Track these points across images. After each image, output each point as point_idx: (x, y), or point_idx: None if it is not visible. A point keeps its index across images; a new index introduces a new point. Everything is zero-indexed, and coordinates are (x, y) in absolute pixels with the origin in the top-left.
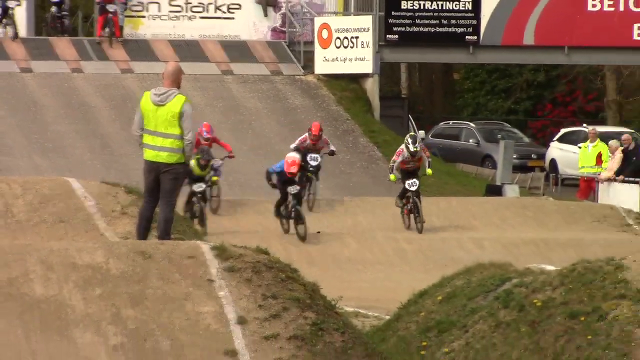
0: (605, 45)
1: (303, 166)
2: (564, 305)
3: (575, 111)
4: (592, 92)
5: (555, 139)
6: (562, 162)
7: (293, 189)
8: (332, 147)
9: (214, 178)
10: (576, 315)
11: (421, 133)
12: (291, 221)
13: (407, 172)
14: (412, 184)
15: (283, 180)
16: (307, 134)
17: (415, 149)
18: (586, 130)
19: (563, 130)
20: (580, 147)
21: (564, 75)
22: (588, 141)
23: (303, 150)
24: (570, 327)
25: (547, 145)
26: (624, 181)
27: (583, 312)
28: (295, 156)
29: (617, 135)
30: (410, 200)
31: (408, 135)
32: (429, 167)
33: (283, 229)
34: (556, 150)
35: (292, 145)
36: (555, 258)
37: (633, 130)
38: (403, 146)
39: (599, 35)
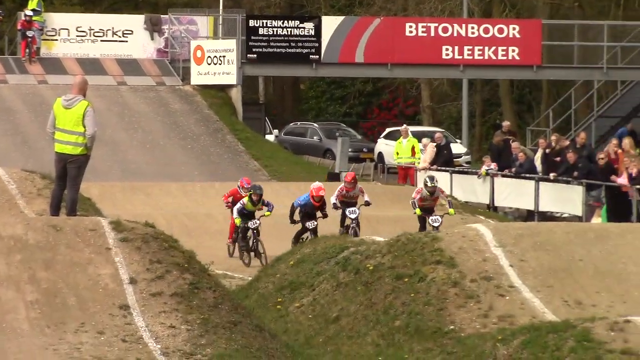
0: (420, 63)
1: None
2: (391, 269)
3: (397, 114)
4: (410, 99)
5: (381, 136)
6: (387, 154)
7: (311, 224)
8: (367, 198)
9: (267, 213)
10: (401, 277)
11: (275, 132)
12: None
13: (423, 208)
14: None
15: (306, 212)
16: (342, 184)
17: (433, 186)
18: (402, 128)
19: (387, 130)
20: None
21: (387, 85)
22: (402, 137)
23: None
24: (396, 286)
25: (375, 141)
26: (437, 169)
27: (407, 274)
28: (319, 184)
29: (430, 134)
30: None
31: (426, 176)
32: (450, 207)
33: None
34: (382, 145)
35: (333, 200)
36: (383, 231)
37: (443, 130)
38: (422, 185)
39: (415, 55)
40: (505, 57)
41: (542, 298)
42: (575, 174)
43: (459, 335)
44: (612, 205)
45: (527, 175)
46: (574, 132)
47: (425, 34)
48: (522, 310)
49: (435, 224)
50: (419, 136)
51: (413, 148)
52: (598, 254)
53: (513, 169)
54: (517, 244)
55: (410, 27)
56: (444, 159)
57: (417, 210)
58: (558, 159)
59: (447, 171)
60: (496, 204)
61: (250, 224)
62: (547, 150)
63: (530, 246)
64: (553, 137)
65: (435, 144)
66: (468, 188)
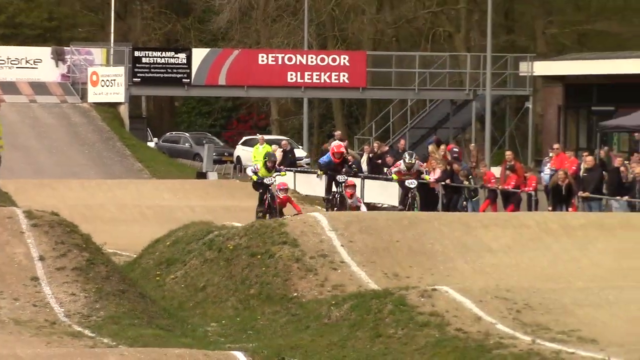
0: (270, 85)
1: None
2: (247, 248)
3: (252, 126)
4: (262, 114)
5: (239, 143)
6: (244, 158)
7: (341, 178)
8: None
9: (283, 173)
10: (255, 254)
11: (155, 140)
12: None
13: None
14: (410, 183)
15: (330, 169)
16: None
17: (410, 162)
18: (258, 137)
19: (244, 138)
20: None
21: (244, 103)
22: (258, 144)
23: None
24: (251, 262)
25: (234, 147)
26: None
27: (259, 252)
28: (339, 142)
29: (278, 141)
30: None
31: (406, 152)
32: (427, 174)
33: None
34: (240, 150)
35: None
36: (241, 218)
37: (288, 138)
38: (401, 161)
39: (266, 79)
40: (337, 81)
41: (366, 271)
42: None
43: (301, 300)
44: (423, 198)
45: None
46: (391, 140)
47: (274, 62)
48: (351, 281)
49: (412, 186)
50: (270, 143)
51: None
52: (411, 236)
53: (344, 169)
54: (346, 228)
55: (262, 57)
56: (289, 161)
57: (394, 176)
58: (379, 161)
59: (291, 171)
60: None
61: (266, 180)
62: (371, 155)
63: (357, 230)
64: (375, 144)
65: (282, 149)
66: (308, 184)
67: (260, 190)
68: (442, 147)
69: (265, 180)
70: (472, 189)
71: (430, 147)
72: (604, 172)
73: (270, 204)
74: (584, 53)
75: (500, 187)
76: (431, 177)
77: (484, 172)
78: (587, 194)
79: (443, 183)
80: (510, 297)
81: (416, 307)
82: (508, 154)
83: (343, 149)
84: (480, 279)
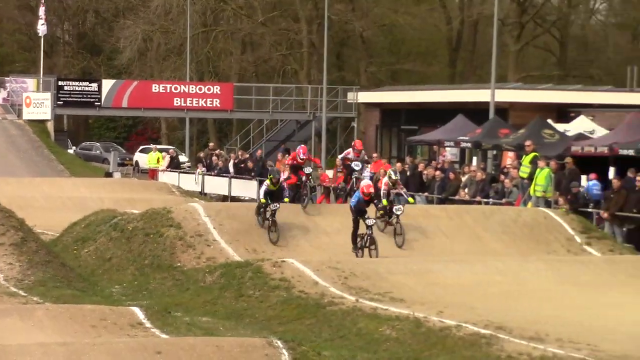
0: (161, 107)
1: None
2: (143, 229)
3: (147, 138)
4: (155, 129)
5: (137, 151)
6: (141, 162)
7: (370, 221)
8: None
9: (286, 200)
10: (148, 234)
11: (73, 148)
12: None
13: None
14: (397, 210)
15: (359, 209)
16: (350, 150)
17: (396, 178)
18: (152, 146)
19: (141, 147)
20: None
21: (141, 121)
22: (152, 151)
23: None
24: (146, 240)
25: (134, 154)
26: (171, 171)
27: (152, 232)
28: (368, 182)
29: (167, 150)
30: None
31: (391, 170)
32: (408, 197)
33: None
34: (138, 156)
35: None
36: (138, 207)
37: (174, 147)
38: (386, 178)
39: (158, 103)
40: (211, 105)
41: (232, 247)
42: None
43: (183, 269)
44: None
45: (224, 174)
46: (252, 149)
47: (164, 91)
48: (220, 254)
49: (398, 213)
50: (160, 150)
51: (158, 159)
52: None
53: (215, 171)
54: (217, 215)
55: (155, 86)
56: (175, 164)
57: (385, 202)
58: (242, 165)
59: (176, 172)
60: (205, 191)
61: (272, 206)
62: (236, 160)
63: (225, 217)
64: (239, 152)
65: (170, 155)
66: (189, 182)
67: (261, 209)
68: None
69: (272, 206)
70: (311, 186)
71: (279, 155)
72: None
73: (269, 219)
74: (396, 86)
75: (332, 185)
76: (281, 177)
77: (321, 174)
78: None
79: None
80: (339, 267)
81: (269, 275)
82: (338, 160)
83: (372, 190)
84: (318, 254)
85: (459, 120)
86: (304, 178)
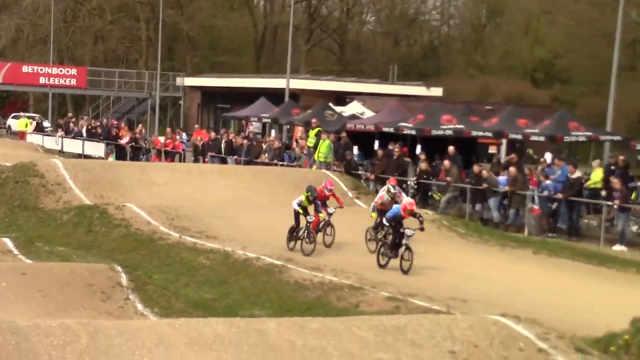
0: (30, 84)
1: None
2: (13, 178)
3: (18, 108)
4: (25, 101)
5: (10, 117)
6: (13, 126)
7: (409, 232)
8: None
9: (321, 215)
10: (18, 182)
11: None
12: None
13: (380, 211)
14: (407, 231)
15: (395, 220)
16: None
17: (394, 192)
18: (22, 114)
19: (13, 114)
20: None
21: (14, 94)
22: (22, 118)
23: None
24: (15, 186)
25: (7, 120)
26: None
27: (21, 180)
28: (411, 200)
29: (33, 117)
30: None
31: (390, 184)
32: (421, 223)
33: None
34: (11, 122)
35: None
36: (10, 161)
37: (40, 115)
38: (384, 193)
39: (28, 81)
40: (69, 84)
41: (84, 194)
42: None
43: (45, 209)
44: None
45: (79, 137)
46: (101, 119)
47: (32, 71)
48: (75, 199)
49: (409, 234)
50: (29, 118)
51: (27, 124)
52: (111, 175)
53: (72, 134)
54: (73, 168)
55: (25, 67)
56: (39, 129)
57: (374, 214)
58: (94, 131)
59: (41, 134)
60: (64, 150)
61: (308, 218)
62: (88, 127)
63: (79, 170)
64: (92, 121)
65: (36, 122)
66: (51, 143)
67: (299, 222)
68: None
69: (307, 218)
70: (147, 148)
71: (123, 124)
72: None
73: (304, 234)
74: (214, 74)
75: (163, 148)
76: (122, 141)
77: (154, 139)
78: (213, 153)
79: (132, 144)
80: (167, 211)
81: (113, 215)
82: (168, 130)
83: (415, 207)
84: (151, 200)
85: (261, 102)
86: (326, 217)
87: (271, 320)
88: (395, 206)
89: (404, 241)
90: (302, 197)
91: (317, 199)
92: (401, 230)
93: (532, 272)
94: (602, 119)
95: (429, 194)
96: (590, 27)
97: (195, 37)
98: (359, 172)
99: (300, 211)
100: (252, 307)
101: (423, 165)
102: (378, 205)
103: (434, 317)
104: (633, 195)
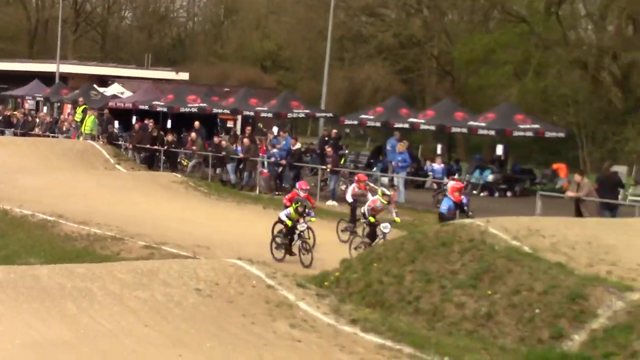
0: None
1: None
2: None
3: None
4: None
5: None
6: None
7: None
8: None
9: (312, 219)
10: None
11: None
12: None
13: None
14: (385, 227)
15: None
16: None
17: (389, 195)
18: None
19: None
20: None
21: None
22: None
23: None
24: None
25: None
26: None
27: None
28: (454, 183)
29: None
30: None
31: (382, 188)
32: (396, 216)
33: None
34: None
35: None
36: None
37: None
38: (377, 196)
39: None
40: None
41: None
42: None
43: None
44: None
45: None
46: None
47: None
48: None
49: (386, 230)
50: None
51: None
52: None
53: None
54: None
55: None
56: None
57: (371, 218)
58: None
59: None
60: None
61: (299, 226)
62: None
63: None
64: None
65: None
66: None
67: (286, 232)
68: None
69: (298, 226)
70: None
71: None
72: (2, 117)
73: (298, 247)
74: None
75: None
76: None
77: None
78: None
79: None
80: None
81: None
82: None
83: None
84: None
85: (35, 83)
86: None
87: (44, 267)
88: (447, 200)
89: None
90: (291, 210)
91: (306, 207)
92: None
93: (263, 223)
94: (318, 100)
95: (178, 160)
96: (308, 25)
97: None
98: (119, 143)
99: (289, 223)
100: (28, 256)
101: (170, 137)
102: (371, 210)
103: (182, 262)
104: (342, 161)
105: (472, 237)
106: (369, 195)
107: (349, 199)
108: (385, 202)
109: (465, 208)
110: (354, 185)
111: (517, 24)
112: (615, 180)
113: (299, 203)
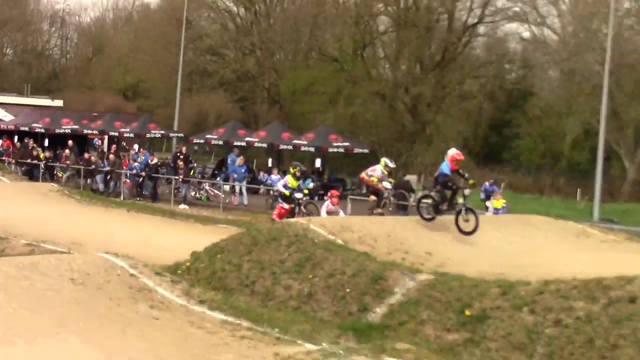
0: None
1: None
2: None
3: None
4: None
5: None
6: None
7: (467, 192)
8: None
9: (306, 191)
10: None
11: None
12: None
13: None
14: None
15: (446, 183)
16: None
17: (393, 167)
18: None
19: None
20: None
21: None
22: None
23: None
24: None
25: None
26: None
27: None
28: (455, 150)
29: None
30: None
31: (384, 159)
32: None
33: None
34: None
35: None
36: None
37: None
38: (379, 166)
39: None
40: None
41: None
42: None
43: None
44: None
45: None
46: None
47: None
48: None
49: (388, 187)
50: None
51: None
52: None
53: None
54: None
55: None
56: None
57: (374, 179)
58: None
59: None
60: None
61: (297, 195)
62: None
63: None
64: None
65: None
66: None
67: (290, 204)
68: None
69: (296, 195)
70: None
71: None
72: None
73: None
74: None
75: None
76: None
77: None
78: None
79: None
80: None
81: None
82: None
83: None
84: None
85: None
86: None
87: None
88: (443, 166)
89: (460, 200)
90: (288, 177)
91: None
92: (454, 188)
93: (127, 223)
94: (171, 123)
95: (55, 172)
96: (162, 62)
97: None
98: (3, 159)
99: (287, 193)
100: None
101: (47, 153)
102: (368, 178)
103: (59, 256)
104: (192, 172)
105: (297, 233)
106: (341, 212)
107: (324, 214)
108: (386, 173)
109: (464, 173)
110: (327, 202)
111: (331, 62)
112: (407, 187)
113: (297, 167)
